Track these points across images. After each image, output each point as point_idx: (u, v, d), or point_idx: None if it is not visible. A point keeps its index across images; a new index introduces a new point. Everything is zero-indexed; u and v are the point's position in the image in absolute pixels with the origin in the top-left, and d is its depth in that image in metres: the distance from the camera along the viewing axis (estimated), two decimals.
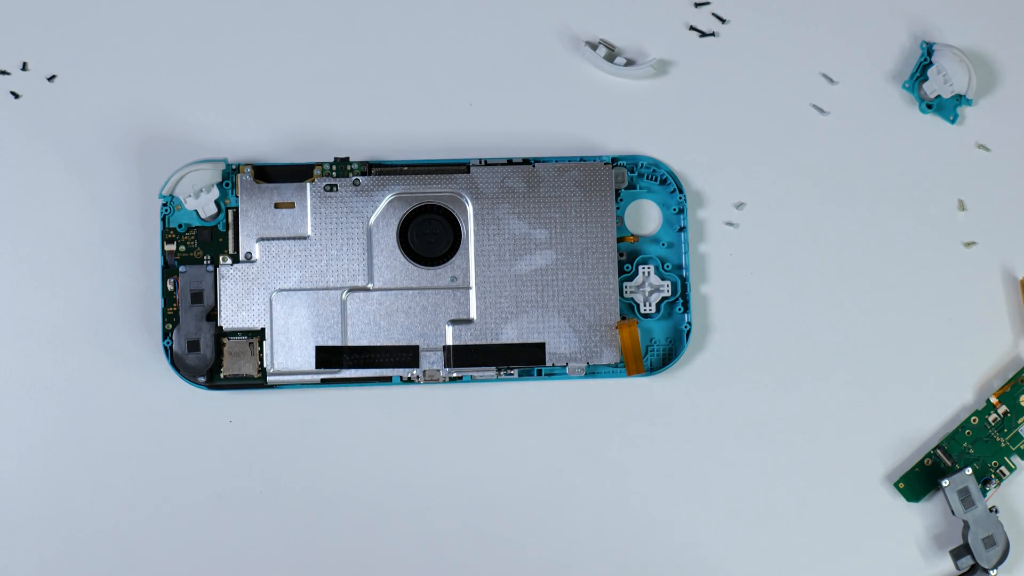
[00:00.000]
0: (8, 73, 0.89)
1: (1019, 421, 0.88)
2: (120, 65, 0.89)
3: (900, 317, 0.89)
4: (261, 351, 0.86)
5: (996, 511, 0.86)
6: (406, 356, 0.86)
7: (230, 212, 0.87)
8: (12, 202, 0.88)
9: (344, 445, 0.87)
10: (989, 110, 0.90)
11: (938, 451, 0.88)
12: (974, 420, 0.88)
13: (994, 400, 0.88)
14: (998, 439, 0.88)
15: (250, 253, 0.86)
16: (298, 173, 0.87)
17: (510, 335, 0.86)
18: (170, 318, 0.86)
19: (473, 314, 0.87)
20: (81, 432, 0.87)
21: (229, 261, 0.87)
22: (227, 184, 0.87)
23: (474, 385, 0.88)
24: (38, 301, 0.87)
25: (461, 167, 0.87)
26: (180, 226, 0.87)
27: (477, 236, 0.87)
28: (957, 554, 0.86)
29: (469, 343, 0.86)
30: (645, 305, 0.88)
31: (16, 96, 0.89)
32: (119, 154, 0.88)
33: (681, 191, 0.88)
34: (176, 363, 0.86)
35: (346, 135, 0.89)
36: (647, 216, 0.89)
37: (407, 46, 0.89)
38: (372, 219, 0.87)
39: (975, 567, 0.86)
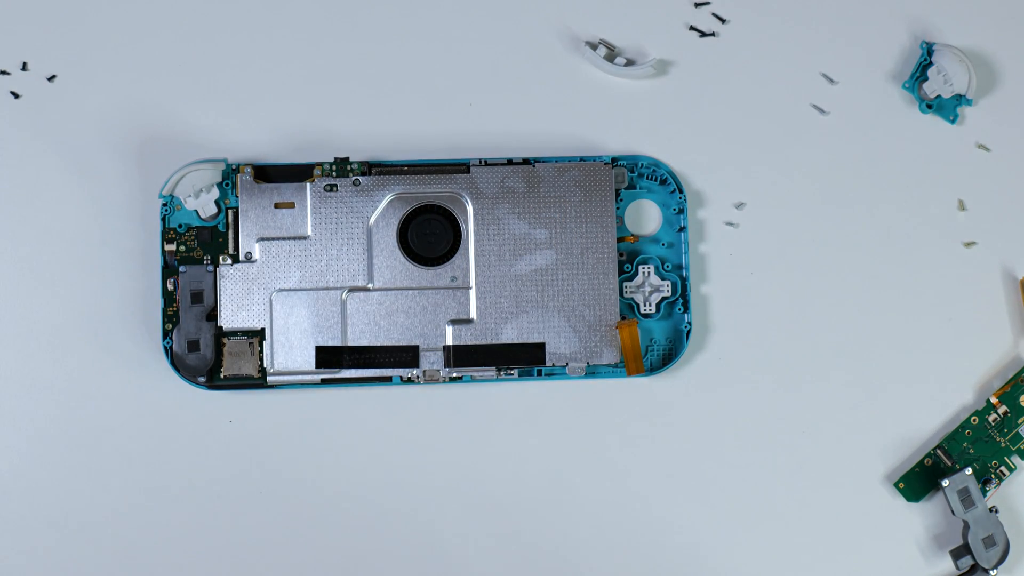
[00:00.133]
0: (8, 73, 0.89)
1: (1019, 421, 0.88)
2: (120, 65, 0.89)
3: (900, 317, 0.89)
4: (261, 351, 0.86)
5: (996, 511, 0.86)
6: (406, 356, 0.86)
7: (230, 212, 0.87)
8: (12, 202, 0.88)
9: (344, 445, 0.87)
10: (989, 110, 0.90)
11: (938, 451, 0.88)
12: (974, 420, 0.88)
13: (994, 400, 0.88)
14: (998, 439, 0.88)
15: (250, 253, 0.86)
16: (298, 173, 0.87)
17: (510, 335, 0.86)
18: (170, 318, 0.86)
19: (473, 314, 0.87)
20: (81, 432, 0.87)
21: (229, 261, 0.87)
22: (227, 184, 0.87)
23: (474, 385, 0.88)
24: (38, 301, 0.87)
25: (461, 167, 0.87)
26: (180, 226, 0.87)
27: (477, 236, 0.87)
28: (957, 554, 0.86)
29: (469, 343, 0.86)
30: (645, 305, 0.88)
31: (16, 96, 0.89)
32: (119, 154, 0.88)
33: (681, 191, 0.88)
34: (176, 363, 0.86)
35: (346, 135, 0.89)
36: (647, 216, 0.89)
37: (407, 46, 0.89)
38: (372, 219, 0.87)
39: (975, 567, 0.86)
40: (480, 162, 0.87)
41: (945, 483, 0.86)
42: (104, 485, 0.87)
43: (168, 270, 0.87)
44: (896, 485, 0.88)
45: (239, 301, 0.86)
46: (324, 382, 0.86)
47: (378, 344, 0.86)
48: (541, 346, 0.87)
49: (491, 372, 0.87)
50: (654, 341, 0.88)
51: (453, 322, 0.86)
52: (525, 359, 0.87)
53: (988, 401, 0.88)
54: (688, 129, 0.89)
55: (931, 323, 0.89)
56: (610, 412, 0.88)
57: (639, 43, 0.90)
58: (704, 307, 0.89)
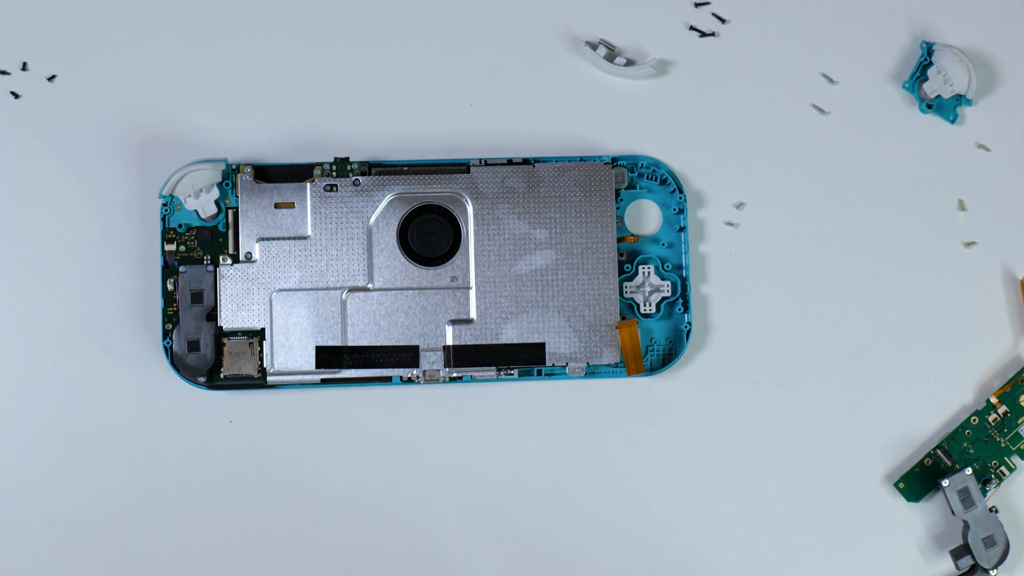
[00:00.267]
0: (8, 73, 0.89)
1: (1019, 421, 0.88)
2: (120, 65, 0.89)
3: (900, 317, 0.89)
4: (261, 351, 0.86)
5: (996, 511, 0.86)
6: (406, 356, 0.86)
7: (230, 212, 0.87)
8: (12, 202, 0.88)
9: (344, 445, 0.87)
10: (989, 110, 0.90)
11: (938, 451, 0.88)
12: (974, 420, 0.88)
13: (994, 400, 0.88)
14: (998, 439, 0.88)
15: (250, 253, 0.86)
16: (298, 173, 0.87)
17: (510, 335, 0.86)
18: (170, 318, 0.86)
19: (473, 314, 0.87)
20: (81, 432, 0.87)
21: (229, 261, 0.87)
22: (227, 184, 0.87)
23: (474, 385, 0.88)
24: (38, 301, 0.87)
25: (461, 167, 0.87)
26: (180, 226, 0.87)
27: (477, 236, 0.87)
28: (957, 554, 0.86)
29: (469, 343, 0.86)
30: (645, 305, 0.88)
31: (16, 96, 0.89)
32: (119, 154, 0.88)
33: (681, 191, 0.88)
34: (176, 363, 0.86)
35: (346, 135, 0.89)
36: (647, 216, 0.89)
37: (407, 46, 0.89)
38: (372, 219, 0.87)
39: (975, 567, 0.86)
40: (480, 162, 0.87)
41: (945, 483, 0.86)
42: (104, 485, 0.87)
43: (168, 270, 0.87)
44: (896, 485, 0.88)
45: (239, 301, 0.86)
46: (324, 382, 0.86)
47: (378, 344, 0.86)
48: (541, 346, 0.87)
49: (491, 372, 0.87)
50: (654, 341, 0.88)
51: (453, 322, 0.86)
52: (525, 359, 0.87)
53: (988, 401, 0.88)
54: (688, 129, 0.89)
55: (931, 323, 0.89)
56: (610, 412, 0.88)
57: (639, 43, 0.90)
58: (704, 307, 0.89)
